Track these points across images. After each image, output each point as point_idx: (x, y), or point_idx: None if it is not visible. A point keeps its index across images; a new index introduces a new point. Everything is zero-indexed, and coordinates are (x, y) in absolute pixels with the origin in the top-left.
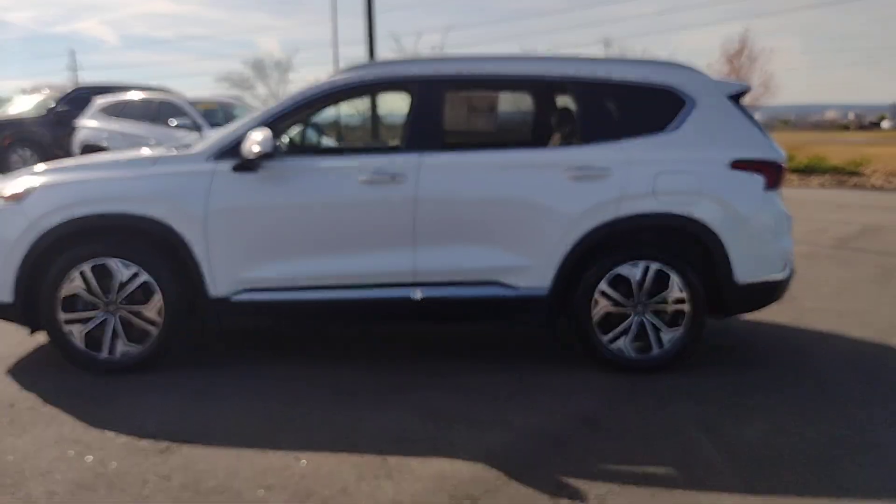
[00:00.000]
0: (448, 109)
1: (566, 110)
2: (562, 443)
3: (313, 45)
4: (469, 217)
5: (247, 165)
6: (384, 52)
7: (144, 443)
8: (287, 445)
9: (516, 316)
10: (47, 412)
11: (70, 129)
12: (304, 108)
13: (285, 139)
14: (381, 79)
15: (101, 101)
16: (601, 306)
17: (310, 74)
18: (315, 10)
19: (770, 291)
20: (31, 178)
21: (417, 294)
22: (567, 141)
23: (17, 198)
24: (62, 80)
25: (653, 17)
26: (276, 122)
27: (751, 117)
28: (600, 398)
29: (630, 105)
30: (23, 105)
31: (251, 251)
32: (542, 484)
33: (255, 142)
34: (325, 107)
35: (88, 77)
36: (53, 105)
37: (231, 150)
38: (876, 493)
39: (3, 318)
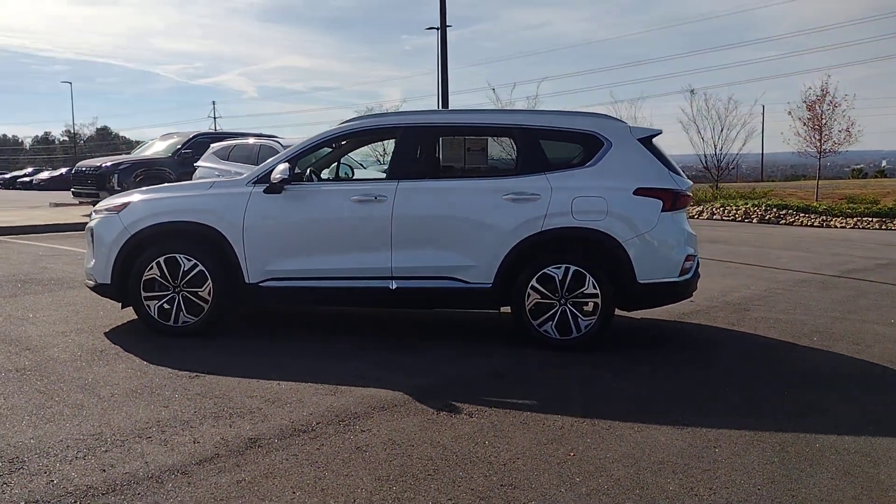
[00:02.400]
0: (421, 149)
1: (510, 149)
2: (468, 384)
3: (431, 95)
4: (432, 228)
5: (274, 189)
6: (482, 100)
7: (182, 373)
8: (275, 377)
9: (467, 304)
10: (124, 355)
11: (190, 169)
12: (318, 146)
13: (307, 172)
14: (374, 126)
15: (214, 145)
16: (532, 298)
17: None
18: (434, 61)
19: (667, 291)
20: (128, 196)
21: (393, 285)
22: (509, 173)
23: (117, 210)
24: (203, 129)
25: (740, 66)
26: (295, 158)
27: (658, 155)
28: (516, 362)
29: (559, 145)
30: (156, 148)
31: (275, 250)
32: (435, 403)
33: (278, 171)
34: (333, 146)
35: (227, 125)
36: (178, 148)
37: (264, 178)
38: (686, 423)
39: (104, 296)
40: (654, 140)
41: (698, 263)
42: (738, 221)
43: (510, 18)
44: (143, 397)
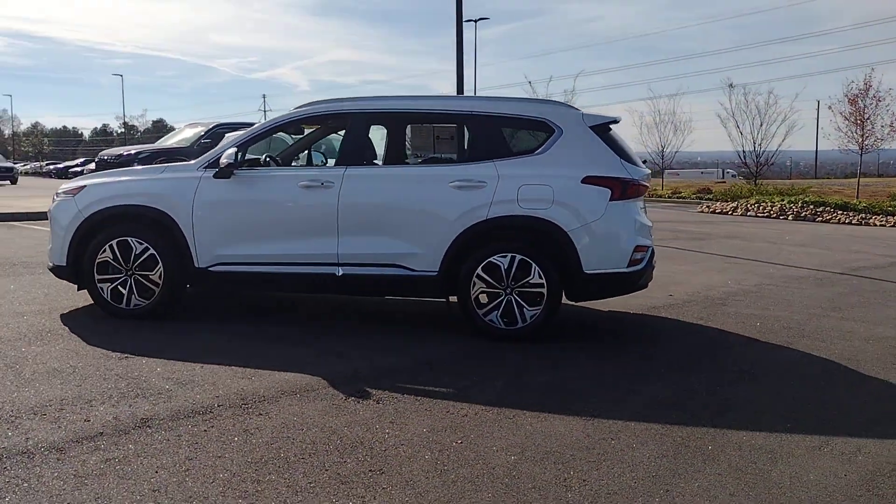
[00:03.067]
0: (371, 135)
1: (459, 136)
2: (395, 372)
3: (479, 88)
4: (377, 215)
5: (223, 173)
6: (519, 94)
7: (113, 354)
8: (202, 360)
9: (413, 292)
10: (67, 336)
11: None
12: (268, 132)
13: (264, 157)
14: (324, 112)
15: (230, 135)
16: (478, 287)
17: None
18: (482, 55)
19: (615, 282)
20: (84, 180)
21: (339, 272)
22: (456, 159)
23: (73, 193)
24: (255, 122)
25: (792, 61)
26: (245, 144)
27: (611, 143)
28: (454, 351)
29: (509, 133)
30: (181, 136)
31: (224, 235)
32: (349, 389)
33: (226, 156)
34: (284, 132)
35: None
36: (199, 137)
37: (213, 163)
38: (596, 414)
39: (60, 277)
40: (613, 127)
41: (653, 254)
42: (773, 218)
43: (564, 12)
44: (62, 377)
